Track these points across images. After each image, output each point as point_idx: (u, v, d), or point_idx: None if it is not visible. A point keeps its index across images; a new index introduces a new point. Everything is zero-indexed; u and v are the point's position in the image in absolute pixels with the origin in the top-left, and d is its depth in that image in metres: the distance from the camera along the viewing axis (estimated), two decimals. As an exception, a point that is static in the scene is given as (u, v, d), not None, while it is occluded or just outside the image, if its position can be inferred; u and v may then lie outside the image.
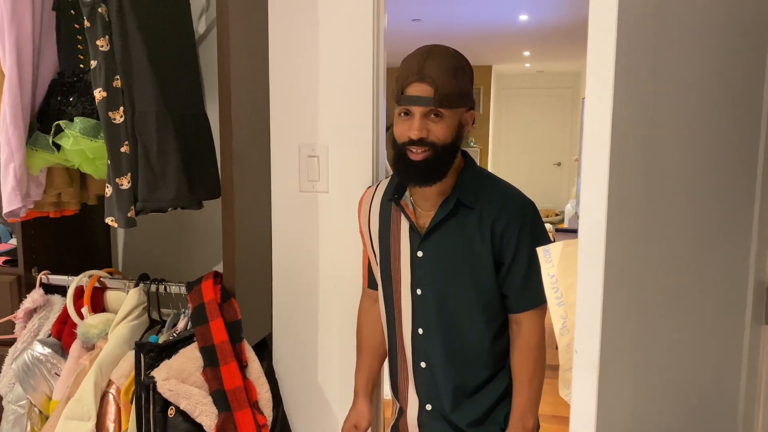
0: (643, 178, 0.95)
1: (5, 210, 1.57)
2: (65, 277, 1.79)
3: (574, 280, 0.85)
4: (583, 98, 7.89)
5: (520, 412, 1.50)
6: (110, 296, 1.80)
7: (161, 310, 1.81)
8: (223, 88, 1.61)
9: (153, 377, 1.50)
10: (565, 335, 0.94)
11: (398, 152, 1.43)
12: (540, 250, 0.96)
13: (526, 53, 7.77)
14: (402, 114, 1.42)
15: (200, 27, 1.94)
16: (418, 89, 1.38)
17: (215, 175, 1.76)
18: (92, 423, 1.54)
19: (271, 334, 1.98)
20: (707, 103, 1.03)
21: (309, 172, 1.87)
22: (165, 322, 1.78)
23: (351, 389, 1.76)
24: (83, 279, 1.76)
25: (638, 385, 1.02)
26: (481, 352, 1.52)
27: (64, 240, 1.96)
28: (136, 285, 1.73)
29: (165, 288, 1.75)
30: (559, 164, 9.71)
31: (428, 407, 1.56)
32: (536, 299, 1.47)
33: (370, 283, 1.70)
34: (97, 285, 1.79)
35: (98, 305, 1.80)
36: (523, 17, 5.56)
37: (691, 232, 1.05)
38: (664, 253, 1.01)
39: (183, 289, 1.71)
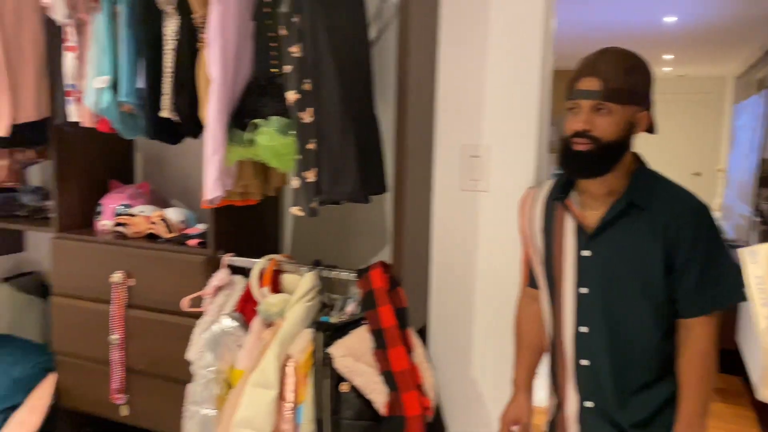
0: None
1: (208, 197, 1.78)
2: (248, 260, 1.99)
3: (783, 281, 0.85)
4: (735, 104, 7.35)
5: (686, 421, 1.47)
6: (285, 279, 1.97)
7: (327, 294, 1.95)
8: (401, 91, 1.72)
9: (330, 354, 1.63)
10: (769, 335, 0.94)
11: (564, 145, 1.48)
12: (745, 251, 0.96)
13: (668, 57, 7.38)
14: (571, 110, 1.46)
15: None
16: (587, 83, 1.43)
17: (381, 173, 1.88)
18: (275, 391, 1.70)
19: (424, 327, 2.08)
20: None
21: (471, 172, 1.94)
22: (331, 306, 1.92)
23: (506, 384, 1.81)
24: (264, 262, 1.95)
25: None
26: (646, 354, 1.50)
27: (244, 226, 2.17)
28: (311, 270, 1.89)
29: (336, 274, 1.89)
30: (698, 174, 9.10)
31: (588, 404, 1.56)
32: (709, 305, 1.45)
33: (530, 281, 1.74)
34: (276, 268, 1.97)
35: (274, 287, 1.97)
36: (669, 19, 5.31)
37: None
38: None
39: (352, 276, 1.84)
